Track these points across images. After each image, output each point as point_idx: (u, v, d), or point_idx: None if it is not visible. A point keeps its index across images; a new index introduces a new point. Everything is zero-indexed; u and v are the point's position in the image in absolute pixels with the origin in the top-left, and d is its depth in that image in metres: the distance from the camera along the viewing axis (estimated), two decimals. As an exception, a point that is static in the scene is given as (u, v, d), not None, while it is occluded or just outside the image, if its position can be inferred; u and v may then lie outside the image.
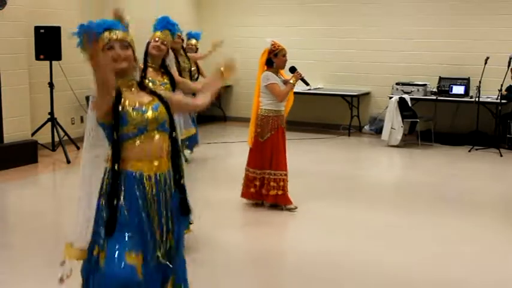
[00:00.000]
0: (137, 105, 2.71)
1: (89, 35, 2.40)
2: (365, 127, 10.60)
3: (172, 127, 2.81)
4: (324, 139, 9.90)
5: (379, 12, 10.40)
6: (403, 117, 9.29)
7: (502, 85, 8.73)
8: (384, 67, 10.39)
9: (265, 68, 5.68)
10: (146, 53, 4.46)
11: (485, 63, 8.84)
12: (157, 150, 2.73)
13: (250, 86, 11.31)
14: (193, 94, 4.11)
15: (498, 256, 4.78)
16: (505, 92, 8.97)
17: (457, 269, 4.46)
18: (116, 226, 2.63)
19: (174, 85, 4.50)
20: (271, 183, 5.70)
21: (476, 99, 8.98)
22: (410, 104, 9.48)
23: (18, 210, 5.95)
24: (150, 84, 4.07)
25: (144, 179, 2.69)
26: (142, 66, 4.27)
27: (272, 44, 5.67)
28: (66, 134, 8.31)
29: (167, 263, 2.75)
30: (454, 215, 5.83)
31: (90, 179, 2.79)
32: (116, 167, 2.65)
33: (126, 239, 2.63)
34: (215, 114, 11.49)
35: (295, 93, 6.19)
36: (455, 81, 9.63)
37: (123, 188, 2.67)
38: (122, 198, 2.66)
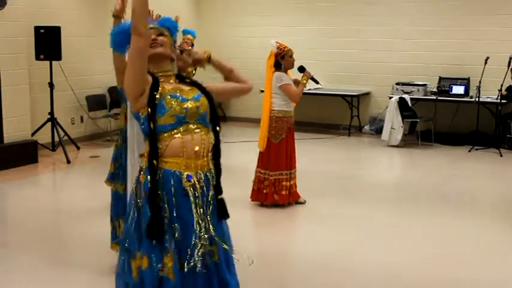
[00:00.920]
0: (176, 92, 2.51)
1: None
2: (365, 127, 10.60)
3: (216, 121, 2.59)
4: (324, 139, 9.90)
5: (379, 12, 10.40)
6: (403, 117, 9.29)
7: (502, 85, 8.73)
8: (384, 67, 10.39)
9: (274, 70, 5.66)
10: None
11: (485, 63, 8.85)
12: (199, 145, 2.48)
13: (250, 86, 11.43)
14: None
15: (498, 256, 4.78)
16: (505, 92, 8.98)
17: (457, 269, 4.46)
18: (161, 230, 2.41)
19: None
20: (283, 183, 5.75)
21: (476, 99, 8.98)
22: (410, 104, 9.48)
23: (18, 210, 5.95)
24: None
25: (184, 179, 2.45)
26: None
27: (278, 47, 5.64)
28: (66, 134, 8.31)
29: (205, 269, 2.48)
30: (454, 215, 5.83)
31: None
32: (154, 162, 2.42)
33: (164, 245, 2.42)
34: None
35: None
36: (455, 81, 9.63)
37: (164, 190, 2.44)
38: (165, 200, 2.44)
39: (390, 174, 8.05)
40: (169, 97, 2.46)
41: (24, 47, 7.82)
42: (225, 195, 2.61)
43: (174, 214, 2.43)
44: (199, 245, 2.44)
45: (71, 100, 8.82)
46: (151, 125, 2.41)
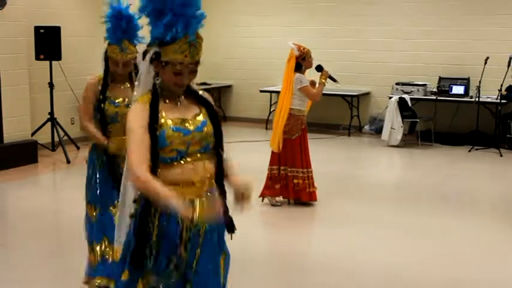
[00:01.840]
0: (179, 124, 2.30)
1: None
2: (365, 127, 10.60)
3: (219, 145, 2.40)
4: (324, 139, 9.89)
5: (379, 12, 10.40)
6: (403, 117, 9.29)
7: (502, 85, 8.73)
8: (384, 67, 10.39)
9: (294, 73, 5.75)
10: (106, 61, 3.53)
11: (485, 63, 8.85)
12: (200, 172, 2.34)
13: (250, 86, 11.45)
14: None
15: (498, 256, 4.78)
16: (505, 92, 8.98)
17: (457, 269, 4.46)
18: (143, 262, 2.31)
19: None
20: (295, 180, 5.83)
21: (476, 99, 8.98)
22: (410, 104, 9.48)
23: (18, 210, 5.95)
24: (113, 107, 3.51)
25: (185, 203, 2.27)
26: (101, 79, 3.56)
27: (298, 49, 5.74)
28: (66, 134, 8.31)
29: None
30: (454, 215, 5.83)
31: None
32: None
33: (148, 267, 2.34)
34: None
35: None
36: (455, 81, 9.63)
37: (156, 216, 2.31)
38: (154, 227, 2.32)
39: (390, 174, 8.06)
40: (171, 130, 2.28)
41: (24, 47, 7.83)
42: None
43: (166, 246, 2.32)
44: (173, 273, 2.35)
45: (71, 100, 8.81)
46: (152, 157, 2.26)
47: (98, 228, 3.60)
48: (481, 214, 5.92)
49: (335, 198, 6.34)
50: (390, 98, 9.56)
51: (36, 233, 5.13)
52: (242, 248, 5.01)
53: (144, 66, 2.34)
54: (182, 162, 2.30)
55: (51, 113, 8.08)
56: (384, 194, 6.75)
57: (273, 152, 5.90)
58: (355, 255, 4.70)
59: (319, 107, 10.99)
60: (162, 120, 2.28)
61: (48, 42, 7.84)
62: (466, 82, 9.55)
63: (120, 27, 3.40)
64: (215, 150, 2.39)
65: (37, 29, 7.85)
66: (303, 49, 5.76)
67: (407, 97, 9.47)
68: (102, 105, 3.49)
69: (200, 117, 2.36)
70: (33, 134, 8.05)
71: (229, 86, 11.73)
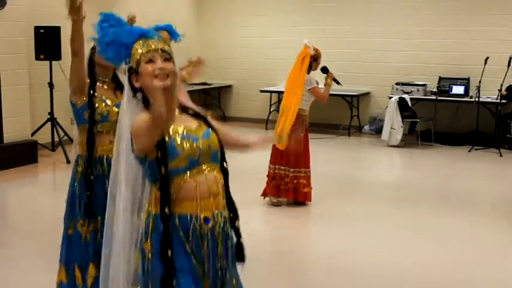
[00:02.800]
0: (185, 132, 2.24)
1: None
2: (365, 127, 10.60)
3: (223, 156, 2.34)
4: (324, 139, 9.89)
5: (379, 12, 10.40)
6: (403, 117, 9.29)
7: (502, 85, 8.73)
8: (384, 67, 10.39)
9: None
10: (91, 62, 3.30)
11: (485, 63, 8.85)
12: (213, 185, 2.26)
13: (250, 86, 11.44)
14: None
15: (498, 256, 4.78)
16: (505, 92, 8.98)
17: (457, 269, 4.46)
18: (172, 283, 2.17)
19: None
20: (295, 181, 5.84)
21: (476, 99, 8.98)
22: (410, 104, 9.48)
23: (18, 210, 5.95)
24: (103, 104, 3.24)
25: (200, 222, 2.21)
26: (88, 81, 3.27)
27: (314, 49, 5.79)
28: (66, 134, 8.31)
29: None
30: (454, 215, 5.83)
31: (130, 235, 2.33)
32: (167, 211, 2.16)
33: None
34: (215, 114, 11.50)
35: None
36: (455, 81, 9.63)
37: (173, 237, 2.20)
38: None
39: (390, 174, 8.06)
40: (179, 138, 2.21)
41: (24, 47, 7.82)
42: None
43: (186, 264, 2.21)
44: None
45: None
46: (163, 170, 2.16)
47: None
48: (481, 214, 5.92)
49: (335, 198, 6.34)
50: (390, 98, 9.56)
51: (36, 233, 5.13)
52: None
53: (124, 98, 2.30)
54: (195, 173, 2.22)
55: (51, 113, 8.07)
56: (384, 194, 6.75)
57: (273, 151, 5.89)
58: (355, 255, 4.70)
59: (319, 107, 10.98)
60: (170, 133, 2.20)
61: (48, 42, 7.83)
62: (466, 82, 9.55)
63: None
64: (221, 161, 2.32)
65: (37, 29, 7.85)
66: (318, 50, 5.82)
67: (407, 97, 9.47)
68: (94, 99, 3.20)
69: (203, 127, 2.31)
70: (33, 134, 8.05)
71: (229, 86, 11.72)
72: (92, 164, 3.24)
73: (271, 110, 10.98)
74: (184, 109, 2.35)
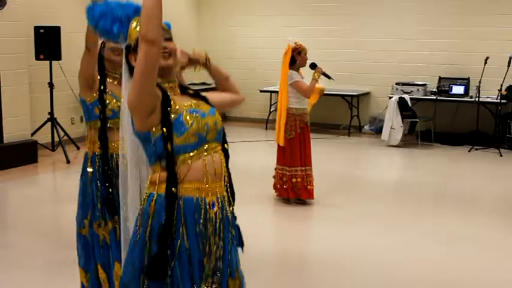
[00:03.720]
0: (193, 106, 2.19)
1: None
2: (365, 127, 10.61)
3: (224, 136, 2.28)
4: (324, 139, 9.89)
5: (379, 12, 10.40)
6: (403, 117, 9.29)
7: (502, 85, 8.73)
8: (384, 67, 10.39)
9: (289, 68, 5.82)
10: (101, 58, 3.21)
11: (485, 63, 8.85)
12: (219, 167, 2.19)
13: (250, 86, 11.42)
14: None
15: (498, 256, 4.78)
16: (505, 92, 8.98)
17: (457, 269, 4.46)
18: (165, 271, 2.10)
19: None
20: (293, 180, 5.85)
21: (476, 99, 8.98)
22: (410, 104, 9.48)
23: (18, 210, 5.95)
24: (114, 100, 3.16)
25: (207, 207, 2.15)
26: (97, 77, 3.20)
27: (296, 42, 5.84)
28: (66, 134, 8.31)
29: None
30: (454, 214, 5.83)
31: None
32: (174, 190, 2.08)
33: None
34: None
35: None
36: (455, 81, 9.63)
37: (179, 221, 2.12)
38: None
39: (390, 174, 8.05)
40: (187, 113, 2.14)
41: (24, 47, 7.82)
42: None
43: (193, 245, 2.14)
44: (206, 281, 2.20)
45: (71, 100, 8.81)
46: (169, 147, 2.08)
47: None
48: (481, 214, 5.92)
49: (335, 198, 6.34)
50: (390, 98, 9.56)
51: (36, 233, 5.13)
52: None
53: (124, 79, 2.27)
54: (203, 151, 2.15)
55: (51, 113, 8.07)
56: (383, 193, 6.74)
57: (278, 151, 5.94)
58: (355, 255, 4.70)
59: (319, 107, 10.98)
60: (177, 107, 2.14)
61: (48, 42, 7.83)
62: (466, 82, 9.55)
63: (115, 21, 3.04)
64: (223, 141, 2.27)
65: (37, 29, 7.85)
66: (301, 45, 5.84)
67: (407, 97, 9.47)
68: (104, 95, 3.14)
69: (206, 105, 2.26)
70: (33, 134, 8.05)
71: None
72: (108, 160, 3.16)
73: (271, 110, 10.98)
74: (184, 89, 2.30)
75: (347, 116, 10.58)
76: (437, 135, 9.53)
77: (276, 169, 5.96)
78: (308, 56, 5.94)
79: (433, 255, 4.71)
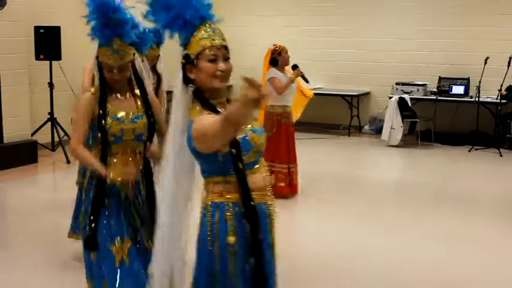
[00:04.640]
0: (253, 125, 2.22)
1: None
2: (365, 127, 10.61)
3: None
4: (324, 139, 9.89)
5: (379, 12, 10.40)
6: (403, 117, 9.29)
7: (502, 85, 8.73)
8: (384, 67, 10.39)
9: (270, 67, 5.99)
10: (101, 69, 2.93)
11: (485, 63, 8.85)
12: (266, 176, 2.32)
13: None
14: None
15: (498, 256, 4.78)
16: (505, 92, 8.98)
17: (457, 269, 4.46)
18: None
19: (151, 116, 2.97)
20: (279, 175, 5.93)
21: (476, 99, 8.98)
22: (410, 104, 9.48)
23: (18, 210, 5.95)
24: (115, 122, 2.90)
25: (270, 211, 2.34)
26: (96, 87, 2.95)
27: (274, 45, 6.02)
28: (66, 134, 8.31)
29: None
30: (454, 215, 5.83)
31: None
32: (252, 203, 2.17)
33: None
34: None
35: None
36: (455, 81, 9.63)
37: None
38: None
39: (390, 174, 8.05)
40: (251, 132, 2.18)
41: (24, 47, 7.83)
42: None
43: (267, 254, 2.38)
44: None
45: (71, 100, 8.80)
46: (241, 165, 2.11)
47: None
48: (480, 214, 5.92)
49: (335, 198, 6.34)
50: (390, 98, 9.56)
51: (36, 233, 5.13)
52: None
53: (177, 88, 2.18)
54: (259, 165, 2.31)
55: (51, 113, 8.08)
56: (383, 193, 6.75)
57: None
58: (355, 255, 4.70)
59: (319, 107, 11.00)
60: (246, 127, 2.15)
61: (48, 42, 7.83)
62: (466, 82, 9.55)
63: (107, 22, 2.82)
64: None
65: (37, 29, 7.85)
66: (279, 45, 6.01)
67: (407, 97, 9.47)
68: (103, 121, 2.86)
69: (256, 121, 2.33)
70: (33, 134, 8.05)
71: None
72: (104, 191, 2.90)
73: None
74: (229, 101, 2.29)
75: (347, 116, 10.58)
76: (437, 135, 9.53)
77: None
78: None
79: (433, 255, 4.71)
